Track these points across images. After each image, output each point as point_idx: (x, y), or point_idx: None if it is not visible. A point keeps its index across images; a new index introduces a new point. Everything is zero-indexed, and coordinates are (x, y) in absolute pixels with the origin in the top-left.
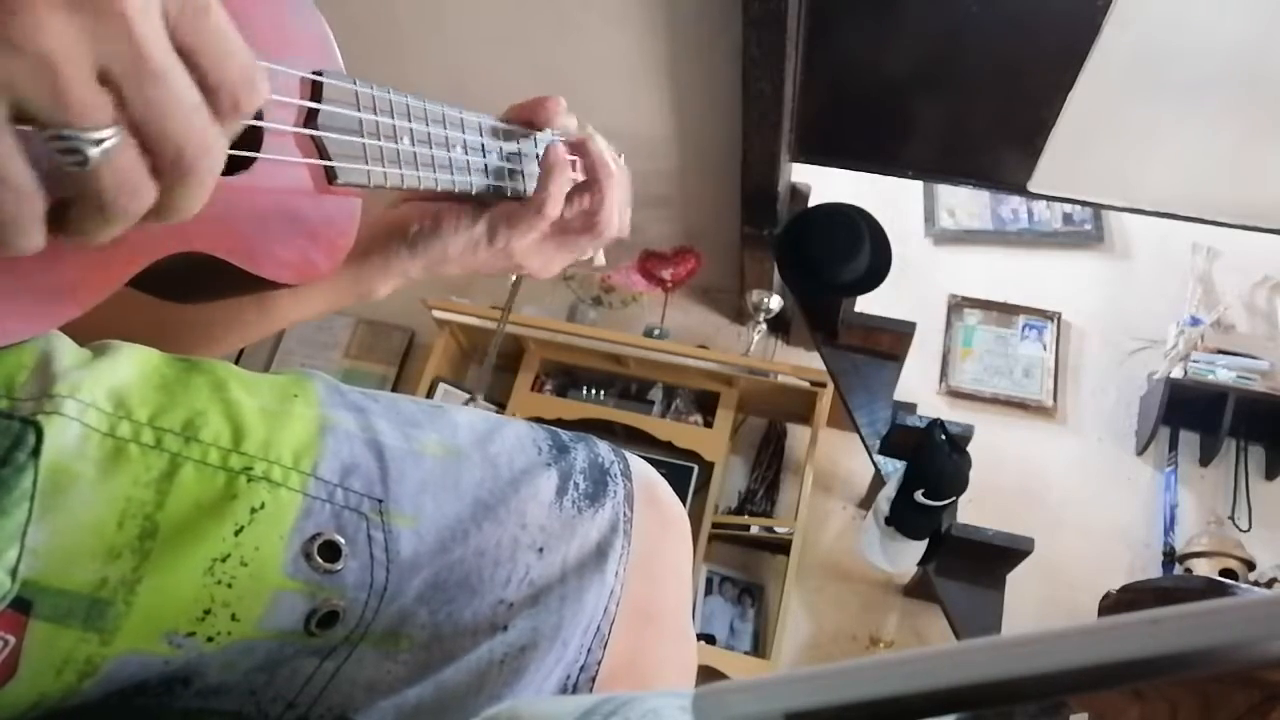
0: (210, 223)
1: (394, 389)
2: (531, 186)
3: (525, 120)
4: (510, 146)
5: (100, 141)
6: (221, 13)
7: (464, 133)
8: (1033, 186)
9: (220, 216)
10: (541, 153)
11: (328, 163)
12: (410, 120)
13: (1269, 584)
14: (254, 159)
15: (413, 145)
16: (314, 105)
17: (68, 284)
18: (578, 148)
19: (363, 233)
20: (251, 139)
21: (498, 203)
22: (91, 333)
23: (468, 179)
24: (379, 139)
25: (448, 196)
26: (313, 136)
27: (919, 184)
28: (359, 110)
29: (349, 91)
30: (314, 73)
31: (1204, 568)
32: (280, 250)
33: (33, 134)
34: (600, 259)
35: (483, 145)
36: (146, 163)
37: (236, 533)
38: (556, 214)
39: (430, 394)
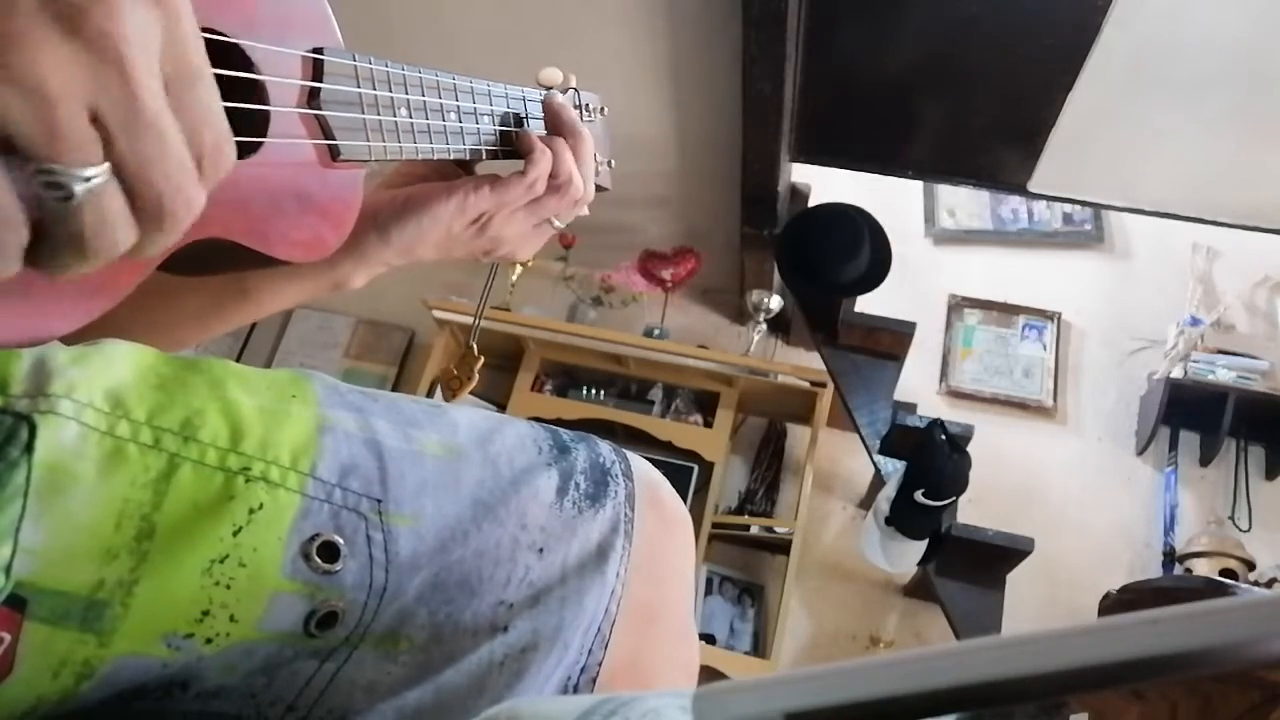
0: (225, 207)
1: (394, 389)
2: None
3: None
4: (500, 108)
5: (87, 180)
6: (210, 84)
7: (456, 98)
8: (1033, 186)
9: (233, 200)
10: (532, 115)
11: (331, 141)
12: (406, 91)
13: (1269, 584)
14: (261, 143)
15: (409, 115)
16: (315, 84)
17: (98, 280)
18: (550, 118)
19: None
20: (258, 121)
21: (474, 183)
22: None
23: (461, 144)
24: (378, 113)
25: (429, 167)
26: (316, 116)
27: (919, 184)
28: (358, 85)
29: (349, 68)
30: (313, 50)
31: (1204, 568)
32: (291, 229)
33: (20, 165)
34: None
35: (475, 109)
36: (128, 208)
37: (235, 533)
38: (541, 190)
39: (430, 394)
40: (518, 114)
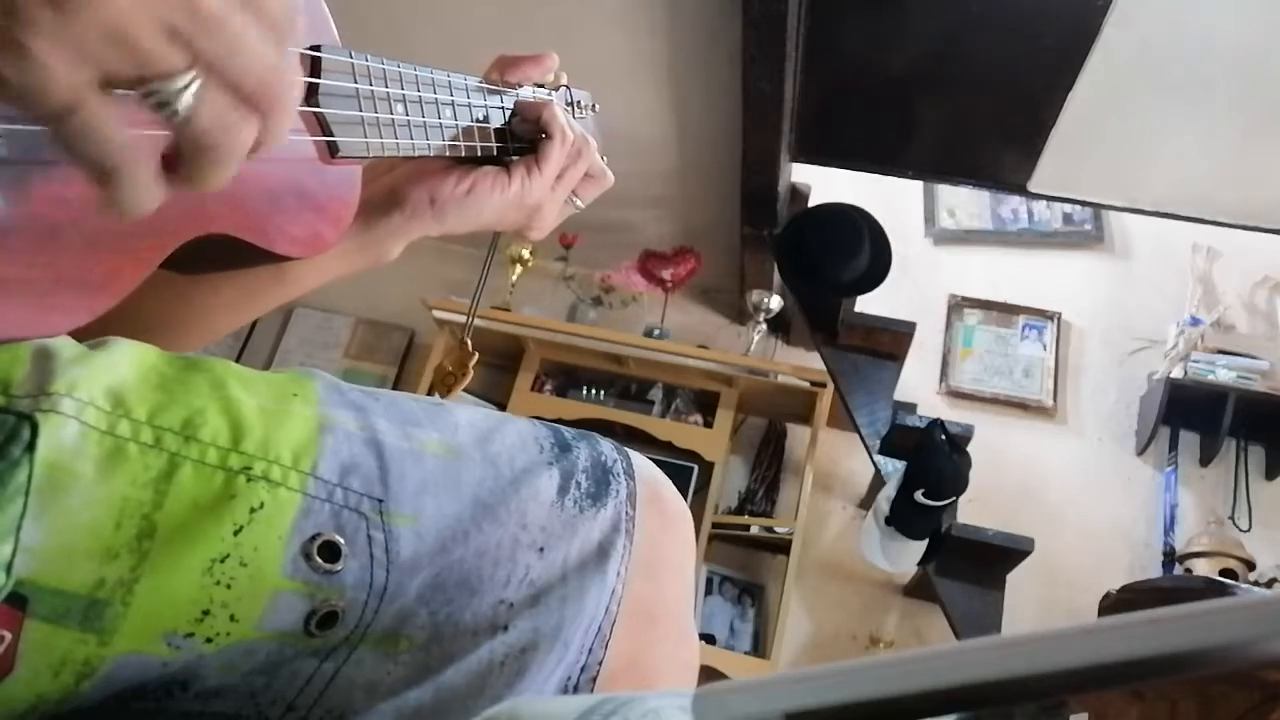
0: (226, 204)
1: (394, 389)
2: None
3: (516, 74)
4: (495, 104)
5: (185, 87)
6: None
7: (452, 95)
8: (1033, 186)
9: (234, 197)
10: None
11: (330, 138)
12: (403, 87)
13: (1269, 584)
14: None
15: (406, 112)
16: (314, 80)
17: (101, 276)
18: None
19: (378, 195)
20: None
21: (525, 171)
22: (119, 318)
23: (458, 142)
24: (375, 109)
25: (446, 159)
26: (315, 113)
27: (919, 184)
28: (355, 82)
29: (346, 64)
30: (311, 47)
31: (1204, 568)
32: (290, 226)
33: (127, 97)
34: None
35: (470, 106)
36: (235, 100)
37: (235, 533)
38: (571, 135)
39: (430, 393)
40: (513, 110)
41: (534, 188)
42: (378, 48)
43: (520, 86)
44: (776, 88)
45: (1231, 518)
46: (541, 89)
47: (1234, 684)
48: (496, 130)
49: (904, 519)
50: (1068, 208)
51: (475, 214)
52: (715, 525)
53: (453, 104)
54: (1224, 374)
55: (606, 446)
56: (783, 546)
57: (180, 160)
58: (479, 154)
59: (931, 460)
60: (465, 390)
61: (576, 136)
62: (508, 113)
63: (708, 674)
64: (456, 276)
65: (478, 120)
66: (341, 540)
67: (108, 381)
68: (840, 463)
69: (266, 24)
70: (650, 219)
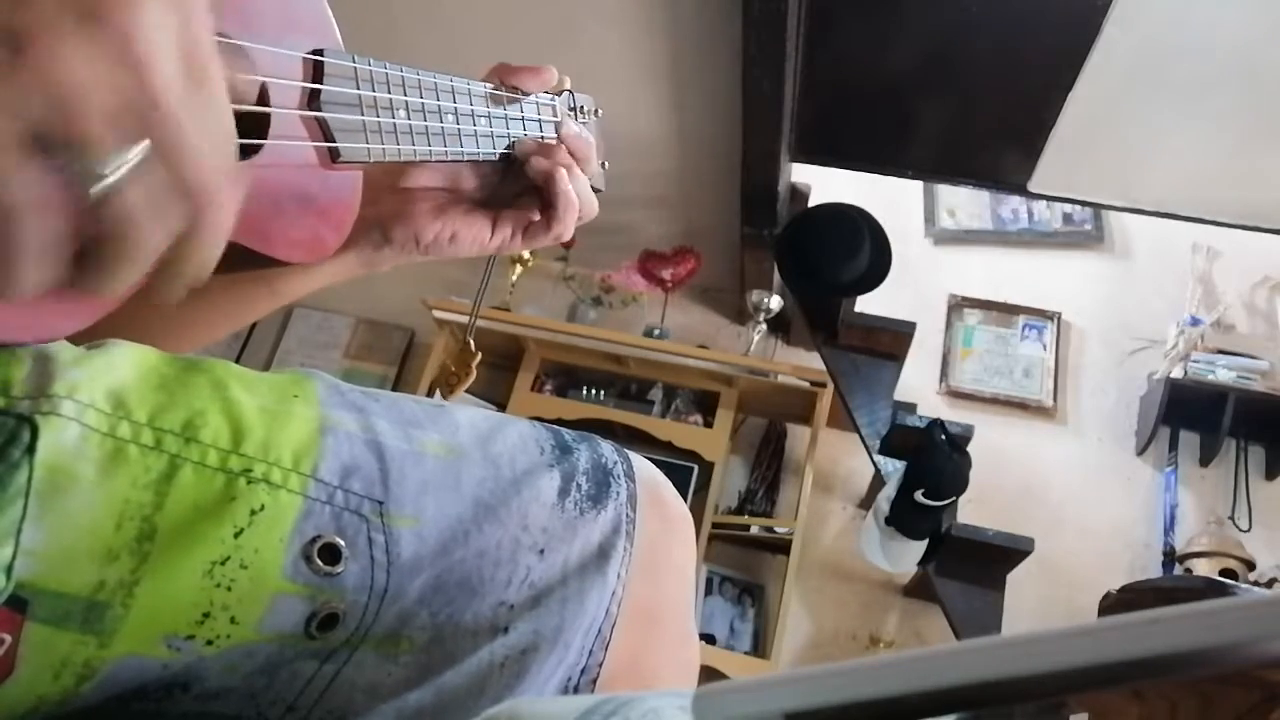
0: None
1: (394, 389)
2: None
3: (518, 82)
4: (498, 112)
5: (119, 166)
6: (219, 83)
7: (455, 101)
8: (1033, 186)
9: None
10: (528, 116)
11: (332, 144)
12: (405, 92)
13: (1269, 584)
14: (262, 145)
15: (408, 118)
16: (316, 86)
17: None
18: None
19: (365, 228)
20: (259, 123)
21: (508, 212)
22: (115, 322)
23: (459, 148)
24: (377, 114)
25: (445, 172)
26: (316, 118)
27: (919, 184)
28: (358, 87)
29: (349, 69)
30: (314, 52)
31: (1204, 568)
32: (291, 230)
33: (54, 162)
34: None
35: (473, 113)
36: (172, 186)
37: (236, 535)
38: (568, 237)
39: (430, 394)
40: (517, 117)
41: (514, 248)
42: (374, 47)
43: (526, 94)
44: (776, 88)
45: (1231, 518)
46: (545, 95)
47: (1234, 684)
48: (497, 137)
49: (904, 519)
50: (1068, 208)
51: (455, 251)
52: (715, 525)
53: (455, 111)
54: (1224, 374)
55: (607, 448)
56: (783, 546)
57: (84, 251)
58: (479, 160)
59: (931, 460)
60: (466, 390)
61: (585, 204)
62: (512, 122)
63: (708, 674)
64: (456, 276)
65: (479, 127)
66: (342, 542)
67: (108, 383)
68: (840, 463)
69: (217, 119)
70: (650, 219)
